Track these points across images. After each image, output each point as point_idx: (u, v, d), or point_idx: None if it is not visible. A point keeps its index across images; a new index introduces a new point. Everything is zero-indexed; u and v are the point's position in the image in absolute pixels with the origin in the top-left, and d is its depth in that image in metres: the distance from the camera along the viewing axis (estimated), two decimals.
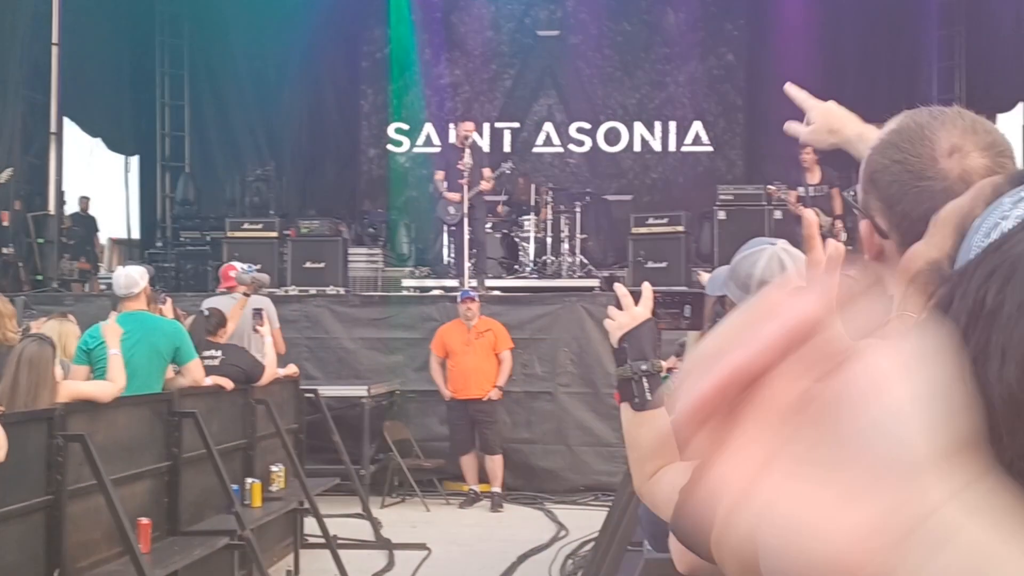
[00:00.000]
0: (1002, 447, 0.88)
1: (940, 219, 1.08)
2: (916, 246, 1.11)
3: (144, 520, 5.22)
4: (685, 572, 1.49)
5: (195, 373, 6.29)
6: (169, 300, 7.56)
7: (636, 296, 2.07)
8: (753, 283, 2.49)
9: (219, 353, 6.90)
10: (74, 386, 5.14)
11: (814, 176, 11.08)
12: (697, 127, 14.19)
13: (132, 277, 6.32)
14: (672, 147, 14.23)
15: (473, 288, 10.39)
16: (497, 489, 9.45)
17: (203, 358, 6.74)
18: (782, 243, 2.57)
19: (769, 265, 2.51)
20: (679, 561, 1.48)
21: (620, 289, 2.07)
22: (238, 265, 8.26)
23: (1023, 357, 0.84)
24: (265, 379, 7.06)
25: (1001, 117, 11.63)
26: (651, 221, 11.86)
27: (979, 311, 0.88)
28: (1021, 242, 0.88)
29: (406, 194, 12.96)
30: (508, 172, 11.41)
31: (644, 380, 1.99)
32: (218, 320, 7.24)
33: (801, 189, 11.08)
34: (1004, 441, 0.87)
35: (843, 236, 10.98)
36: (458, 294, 9.80)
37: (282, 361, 8.42)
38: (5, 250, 11.87)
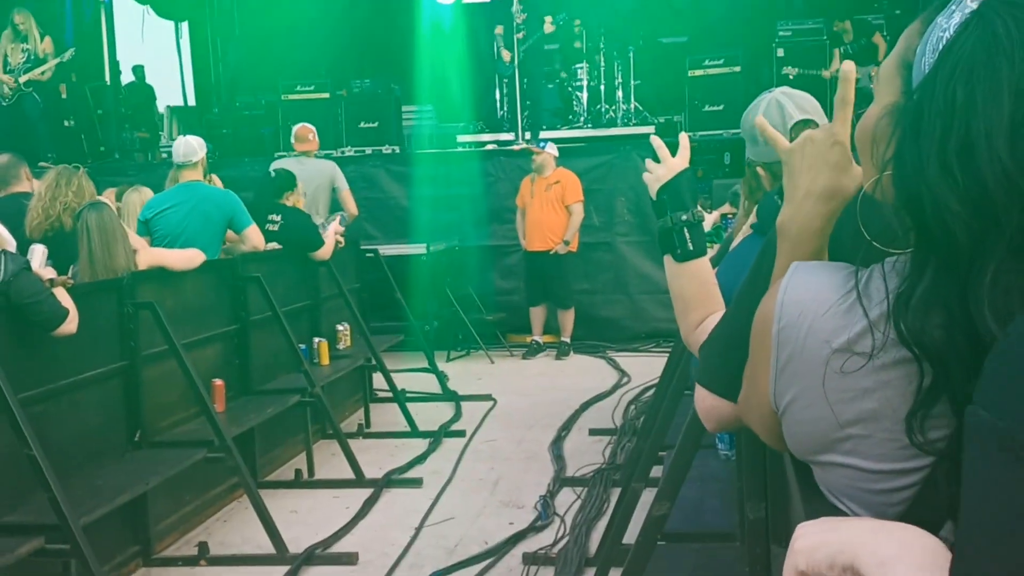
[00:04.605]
0: (1000, 229, 0.93)
1: (881, 76, 1.11)
2: (870, 108, 1.13)
3: (218, 381, 5.42)
4: (712, 429, 1.52)
5: (254, 239, 6.40)
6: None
7: (675, 147, 2.06)
8: (757, 133, 2.49)
9: (279, 217, 6.97)
10: (156, 253, 5.27)
11: (849, 36, 11.42)
12: None
13: (191, 146, 6.39)
14: None
15: (526, 140, 10.32)
16: (566, 339, 9.59)
17: (267, 221, 6.85)
18: (781, 88, 2.57)
19: (768, 111, 2.49)
20: (706, 419, 1.51)
21: (656, 141, 2.06)
22: None
23: (1008, 132, 0.92)
24: (320, 255, 7.08)
25: None
26: (707, 62, 11.58)
27: (952, 107, 0.95)
28: (970, 39, 0.97)
29: (456, 47, 12.74)
30: (561, 23, 11.18)
31: (684, 231, 2.00)
32: (282, 183, 7.23)
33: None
34: (1001, 221, 0.93)
35: None
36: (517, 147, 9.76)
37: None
38: (66, 123, 12.02)
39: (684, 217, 2.00)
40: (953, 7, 1.00)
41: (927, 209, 0.96)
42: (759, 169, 2.54)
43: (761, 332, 1.13)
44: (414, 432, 6.94)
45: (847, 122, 1.29)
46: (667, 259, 2.04)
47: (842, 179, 1.25)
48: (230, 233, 6.41)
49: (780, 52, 11.67)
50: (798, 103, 2.48)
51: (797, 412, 1.09)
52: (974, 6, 0.98)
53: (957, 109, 0.95)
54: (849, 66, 1.29)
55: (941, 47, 0.99)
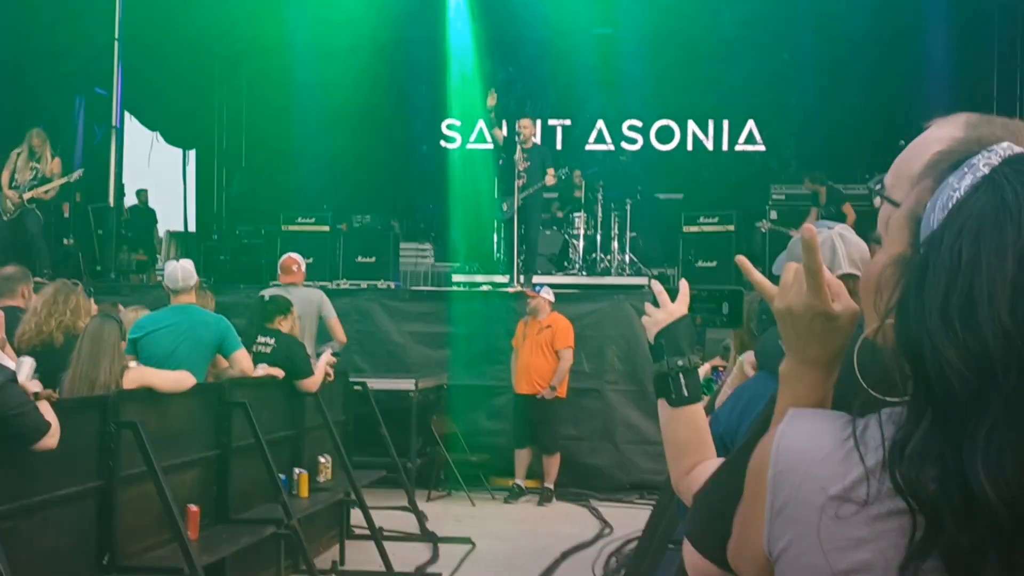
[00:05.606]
0: (997, 386, 0.94)
1: (892, 225, 1.14)
2: (876, 256, 1.15)
3: (193, 507, 5.30)
4: None
5: (242, 363, 6.38)
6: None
7: (674, 294, 2.07)
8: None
9: (272, 341, 6.97)
10: (145, 373, 5.22)
11: (823, 199, 11.59)
12: (750, 125, 14.08)
13: (188, 271, 6.47)
14: (724, 146, 14.14)
15: (520, 284, 10.41)
16: (549, 485, 9.45)
17: (256, 344, 6.84)
18: (840, 227, 2.53)
19: (822, 249, 2.48)
20: (692, 572, 1.48)
21: (657, 286, 2.08)
22: None
23: (1010, 294, 0.94)
24: (307, 386, 7.06)
25: None
26: (702, 220, 11.79)
27: (957, 265, 0.98)
28: (979, 201, 1.02)
29: (458, 190, 13.02)
30: (563, 177, 11.45)
31: (680, 376, 2.00)
32: (276, 307, 7.26)
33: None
34: (999, 379, 0.94)
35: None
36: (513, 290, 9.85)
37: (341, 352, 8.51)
38: (66, 241, 12.13)
39: (680, 363, 2.00)
40: (965, 169, 1.03)
41: (927, 359, 0.97)
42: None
43: (756, 477, 1.12)
44: (389, 573, 6.76)
45: (822, 290, 1.22)
46: (661, 403, 2.03)
47: (833, 341, 1.23)
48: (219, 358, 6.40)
49: (773, 214, 11.91)
50: (850, 252, 2.46)
51: (791, 559, 1.07)
52: (986, 171, 1.02)
53: (962, 267, 0.97)
54: (810, 233, 1.21)
55: (951, 206, 1.02)
